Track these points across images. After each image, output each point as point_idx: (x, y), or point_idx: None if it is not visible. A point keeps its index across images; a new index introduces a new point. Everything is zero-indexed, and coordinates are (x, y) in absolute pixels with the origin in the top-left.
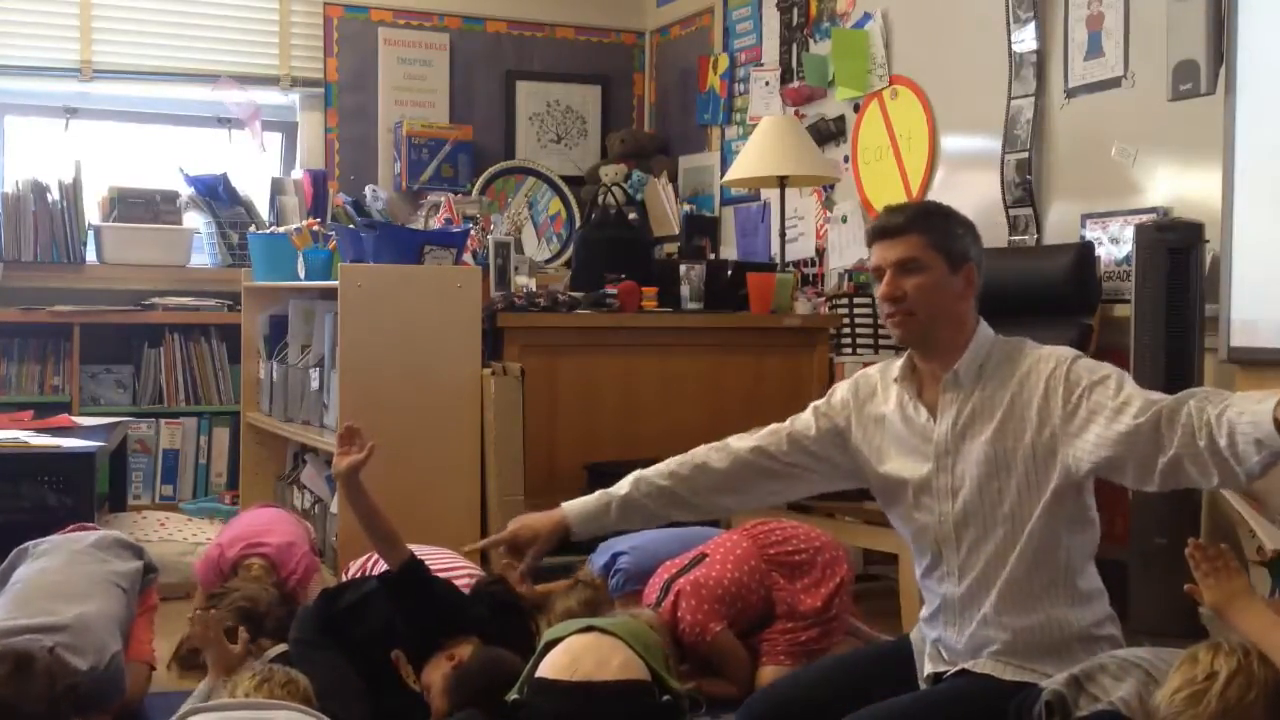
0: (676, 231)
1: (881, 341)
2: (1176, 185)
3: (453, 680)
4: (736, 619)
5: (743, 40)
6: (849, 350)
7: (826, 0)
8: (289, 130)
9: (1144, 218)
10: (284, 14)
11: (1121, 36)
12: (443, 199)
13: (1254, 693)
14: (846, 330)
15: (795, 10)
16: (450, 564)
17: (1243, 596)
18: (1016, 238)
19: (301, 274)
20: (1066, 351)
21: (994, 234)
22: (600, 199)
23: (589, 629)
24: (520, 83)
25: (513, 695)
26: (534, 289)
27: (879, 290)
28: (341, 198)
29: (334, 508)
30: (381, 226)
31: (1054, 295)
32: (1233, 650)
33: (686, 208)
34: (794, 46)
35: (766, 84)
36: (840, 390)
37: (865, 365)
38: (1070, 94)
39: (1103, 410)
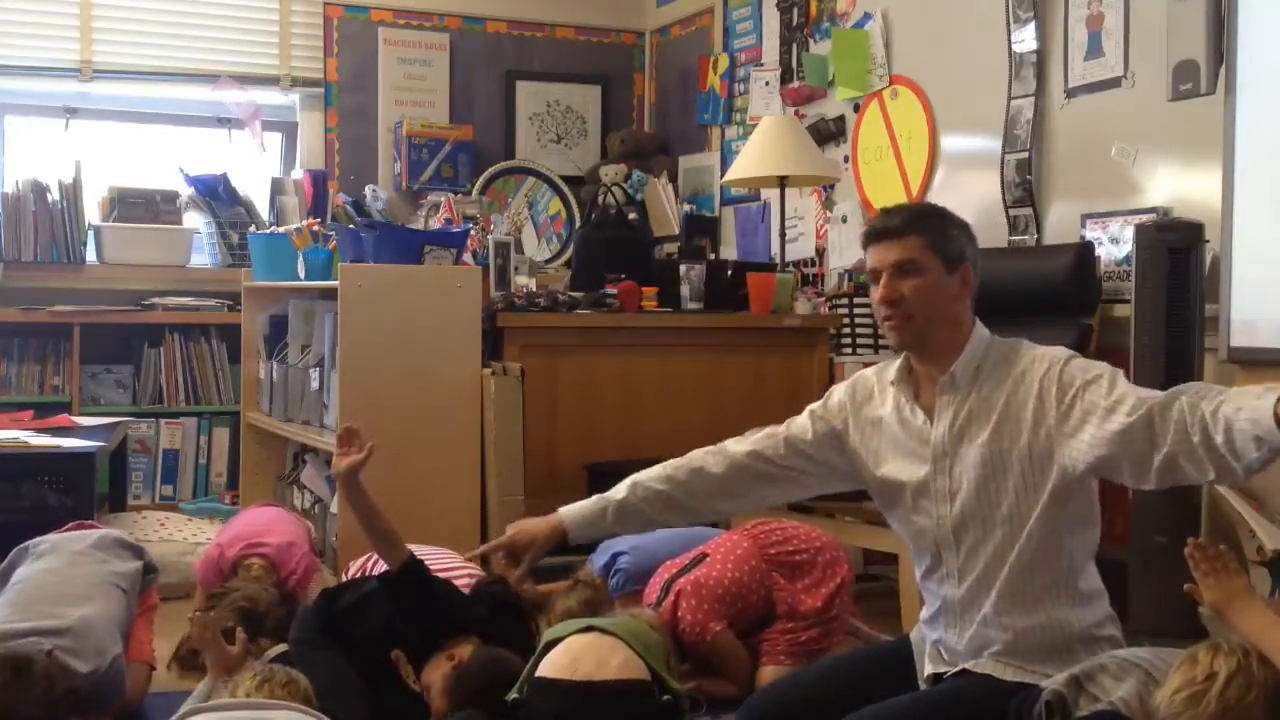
0: (676, 231)
1: (881, 342)
2: (1176, 185)
3: (453, 680)
4: (737, 619)
5: (743, 40)
6: (849, 350)
7: (826, 0)
8: (289, 130)
9: (1144, 218)
10: (284, 14)
11: (1121, 36)
12: (443, 199)
13: (1253, 693)
14: (846, 330)
15: (795, 10)
16: (450, 564)
17: (1243, 596)
18: (1016, 238)
19: (301, 274)
20: (1060, 352)
21: (994, 234)
22: (600, 199)
23: (589, 629)
24: (520, 83)
25: (512, 695)
26: (534, 289)
27: (876, 293)
28: (341, 198)
29: (334, 508)
30: (381, 226)
31: (1054, 295)
32: (1232, 651)
33: (686, 208)
34: (794, 46)
35: (766, 84)
36: (837, 393)
37: (865, 365)
38: (1070, 94)
39: (1096, 410)
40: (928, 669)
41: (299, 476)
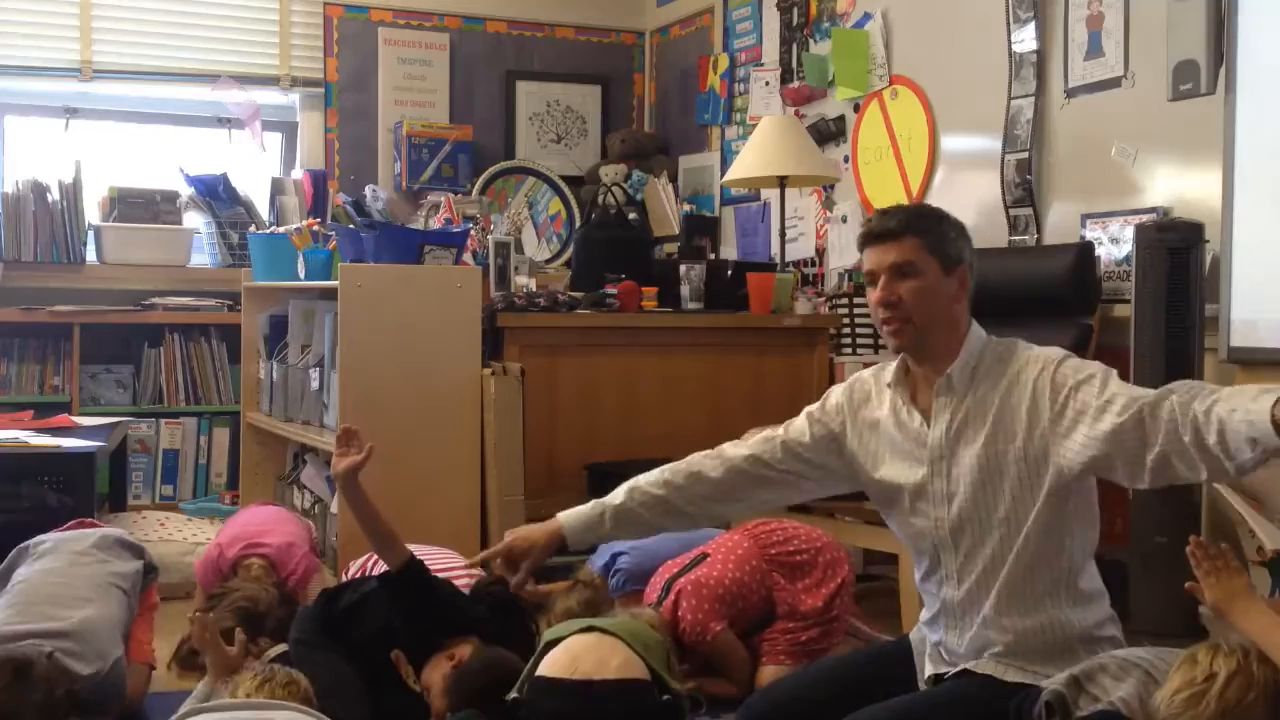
0: (676, 231)
1: (881, 342)
2: (1176, 185)
3: (453, 680)
4: (737, 619)
5: (743, 40)
6: (849, 350)
7: (826, 0)
8: (289, 130)
9: (1144, 218)
10: (284, 14)
11: (1121, 36)
12: (443, 199)
13: (1253, 694)
14: (846, 330)
15: (795, 10)
16: (450, 564)
17: (1244, 595)
18: (1016, 238)
19: (301, 274)
20: (1055, 352)
21: (994, 234)
22: (600, 199)
23: (589, 629)
24: (520, 83)
25: (512, 695)
26: (534, 289)
27: (873, 296)
28: (341, 198)
29: (334, 508)
30: (381, 226)
31: (1054, 295)
32: (1232, 651)
33: (686, 208)
34: (794, 46)
35: (766, 84)
36: (835, 395)
37: (865, 365)
38: (1070, 94)
39: (1088, 410)
40: (928, 669)
41: (299, 476)
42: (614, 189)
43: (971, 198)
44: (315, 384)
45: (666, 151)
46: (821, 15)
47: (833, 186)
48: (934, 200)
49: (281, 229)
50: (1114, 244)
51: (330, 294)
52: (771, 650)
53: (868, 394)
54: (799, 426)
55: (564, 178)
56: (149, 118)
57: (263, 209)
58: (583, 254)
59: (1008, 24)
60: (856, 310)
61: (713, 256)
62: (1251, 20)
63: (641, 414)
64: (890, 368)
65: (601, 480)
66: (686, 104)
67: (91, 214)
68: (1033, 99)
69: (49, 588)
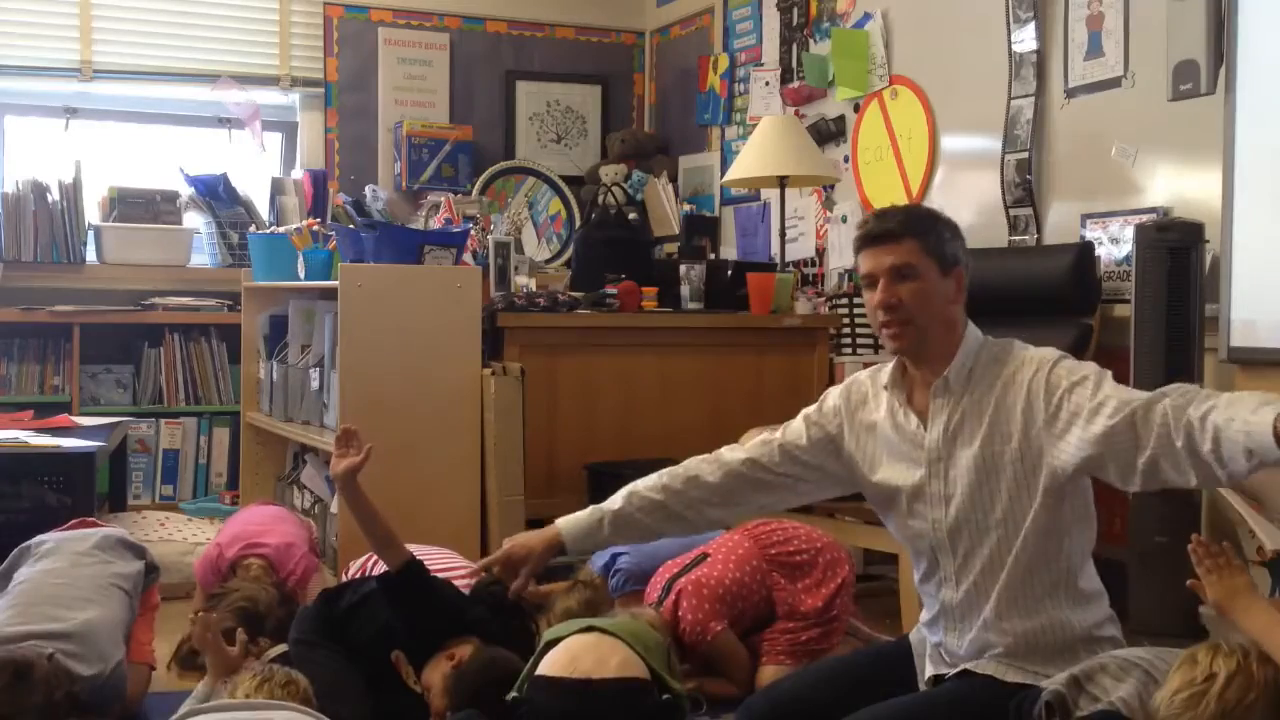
0: (676, 231)
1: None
2: (1176, 185)
3: (453, 680)
4: (737, 619)
5: (743, 40)
6: (849, 350)
7: (826, 0)
8: (289, 130)
9: (1144, 218)
10: (284, 14)
11: (1121, 36)
12: (443, 199)
13: (1253, 694)
14: (846, 330)
15: (795, 10)
16: (450, 564)
17: (1245, 594)
18: (1016, 238)
19: (301, 274)
20: (1050, 354)
21: (994, 234)
22: (600, 199)
23: (589, 629)
24: (520, 83)
25: (512, 694)
26: (534, 289)
27: (873, 299)
28: (341, 198)
29: (334, 508)
30: (381, 226)
31: (1054, 295)
32: (1232, 651)
33: (686, 208)
34: (794, 46)
35: (766, 84)
36: (832, 396)
37: (865, 365)
38: (1070, 94)
39: (1082, 412)
40: (928, 670)
41: (299, 476)
42: (614, 189)
43: (971, 198)
44: (315, 384)
45: (666, 151)
46: (821, 15)
47: (833, 186)
48: (934, 200)
49: (281, 229)
50: (1114, 244)
51: (330, 294)
52: (771, 650)
53: (864, 396)
54: (796, 429)
55: (564, 178)
56: (149, 118)
57: (263, 209)
58: (583, 254)
59: (1008, 24)
60: (856, 310)
61: (713, 256)
62: (1251, 20)
63: (641, 414)
64: (886, 370)
65: (601, 480)
66: (686, 104)
67: (91, 214)
68: (1033, 99)
69: (50, 588)
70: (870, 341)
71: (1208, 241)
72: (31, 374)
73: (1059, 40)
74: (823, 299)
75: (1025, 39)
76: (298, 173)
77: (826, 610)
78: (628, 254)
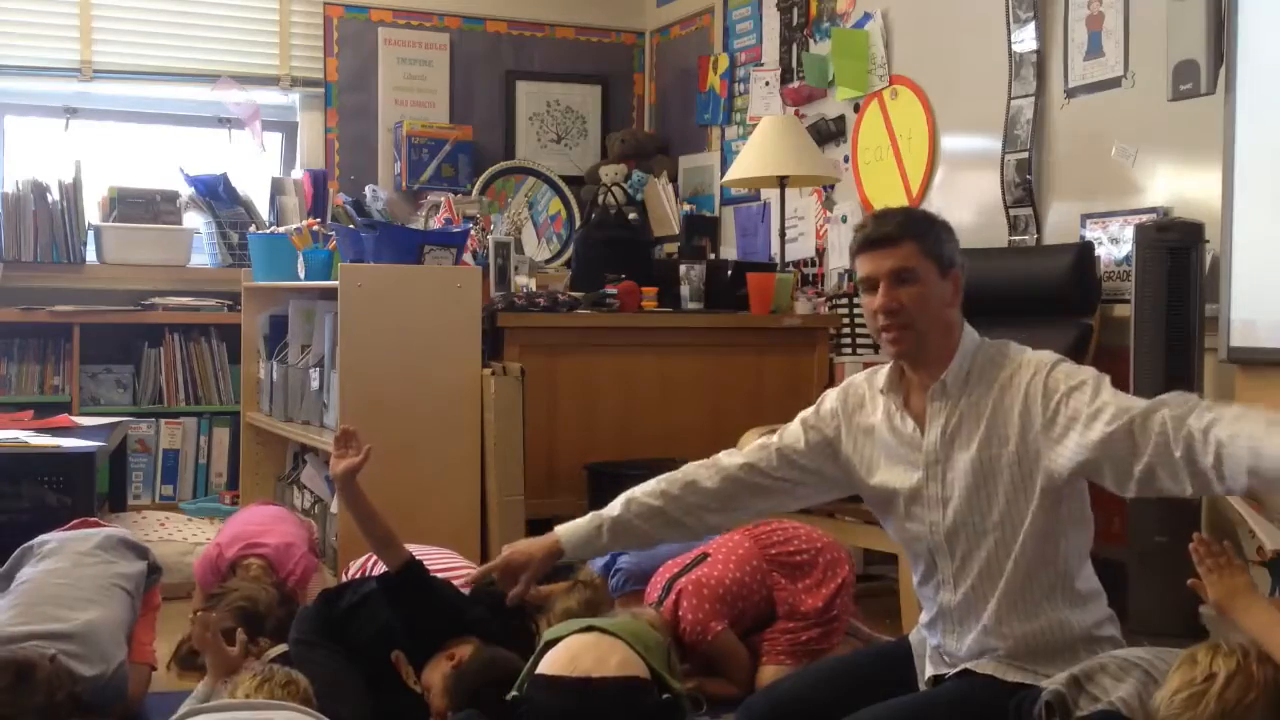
0: (676, 231)
1: None
2: (1176, 185)
3: (453, 680)
4: (738, 619)
5: (743, 40)
6: (849, 350)
7: (826, 0)
8: (289, 130)
9: (1144, 218)
10: (284, 14)
11: (1121, 36)
12: (443, 199)
13: (1253, 694)
14: (846, 330)
15: (795, 10)
16: (450, 564)
17: (1245, 593)
18: (1016, 238)
19: (301, 274)
20: (1047, 357)
21: (994, 234)
22: (600, 199)
23: (589, 629)
24: (520, 83)
25: (512, 694)
26: (534, 289)
27: (872, 302)
28: (341, 198)
29: (334, 508)
30: (381, 226)
31: (1054, 295)
32: (1232, 651)
33: (686, 208)
34: (794, 46)
35: (766, 84)
36: (829, 399)
37: (866, 365)
38: (1070, 94)
39: (1080, 417)
40: (929, 670)
41: (299, 476)
42: (614, 189)
43: (971, 198)
44: (315, 384)
45: (666, 151)
46: (821, 15)
47: (833, 186)
48: (934, 200)
49: (281, 229)
50: (1114, 244)
51: (330, 294)
52: (772, 650)
53: (861, 399)
54: (794, 433)
55: (564, 178)
56: (149, 118)
57: (263, 209)
58: (583, 254)
59: (1008, 24)
60: (856, 310)
61: (713, 256)
62: (1251, 20)
63: (641, 414)
64: (882, 373)
65: (601, 480)
66: (686, 104)
67: (91, 214)
68: (1033, 99)
69: (53, 588)
70: (870, 341)
71: (1208, 241)
72: (31, 374)
73: (1059, 40)
74: (823, 299)
75: (1025, 39)
76: (298, 173)
77: (827, 610)
78: (628, 254)
